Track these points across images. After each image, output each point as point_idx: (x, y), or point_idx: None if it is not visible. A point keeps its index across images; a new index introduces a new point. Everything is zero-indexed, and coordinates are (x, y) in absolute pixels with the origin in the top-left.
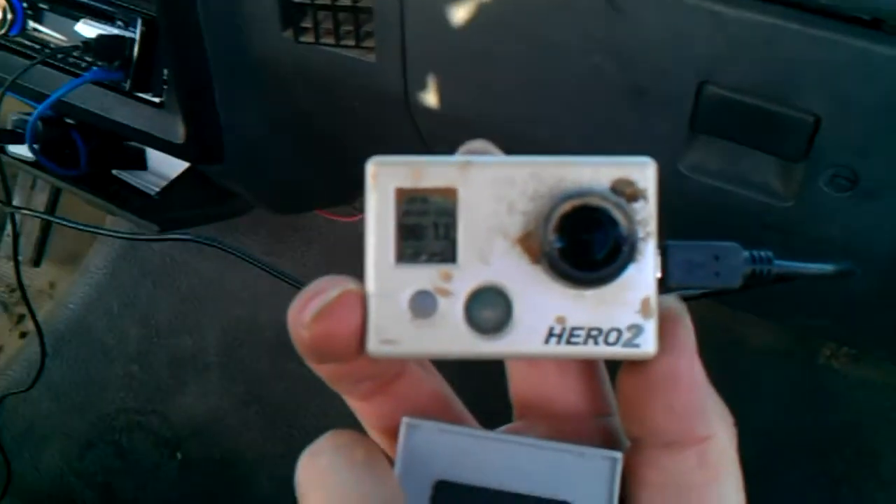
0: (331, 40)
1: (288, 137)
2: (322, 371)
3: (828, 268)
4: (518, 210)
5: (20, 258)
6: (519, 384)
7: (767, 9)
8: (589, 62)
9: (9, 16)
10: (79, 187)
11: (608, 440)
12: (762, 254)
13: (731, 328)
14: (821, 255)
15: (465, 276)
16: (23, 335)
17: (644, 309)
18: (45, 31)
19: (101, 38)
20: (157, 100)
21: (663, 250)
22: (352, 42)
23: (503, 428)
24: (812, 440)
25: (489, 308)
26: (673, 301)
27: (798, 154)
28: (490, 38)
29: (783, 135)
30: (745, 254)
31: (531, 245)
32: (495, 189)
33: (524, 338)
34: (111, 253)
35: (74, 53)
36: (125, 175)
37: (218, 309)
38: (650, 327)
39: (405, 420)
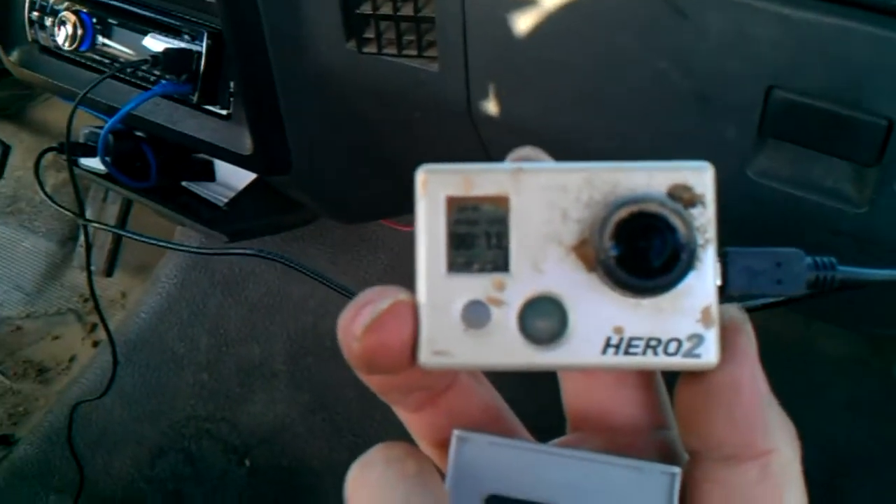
0: (393, 50)
1: (352, 147)
2: (372, 382)
3: None
4: (572, 217)
5: (93, 269)
6: (573, 396)
7: (837, 10)
8: (653, 69)
9: (79, 31)
10: (149, 199)
11: (666, 454)
12: (825, 260)
13: (804, 337)
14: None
15: (519, 286)
16: (95, 344)
17: (704, 318)
18: (114, 45)
19: (168, 51)
20: (224, 112)
21: (723, 257)
22: (414, 52)
23: (556, 441)
24: (885, 454)
25: (544, 318)
26: (734, 309)
27: (871, 159)
28: (552, 47)
29: (855, 139)
30: (808, 260)
31: (586, 253)
32: (548, 196)
33: (580, 348)
34: (181, 263)
35: (143, 67)
36: (194, 186)
37: (284, 318)
38: (711, 337)
39: (456, 433)
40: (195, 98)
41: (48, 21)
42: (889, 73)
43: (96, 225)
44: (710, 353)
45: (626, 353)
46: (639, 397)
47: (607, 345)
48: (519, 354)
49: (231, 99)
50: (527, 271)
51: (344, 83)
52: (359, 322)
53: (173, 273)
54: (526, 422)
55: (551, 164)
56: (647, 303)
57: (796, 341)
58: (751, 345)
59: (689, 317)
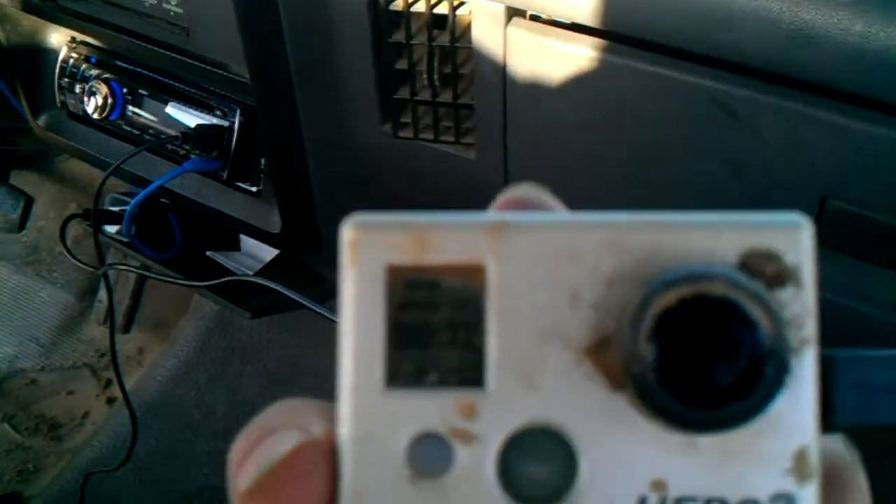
0: (430, 135)
1: None
2: None
3: None
4: (586, 302)
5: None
6: None
7: (893, 122)
8: (702, 170)
9: (109, 100)
10: (172, 269)
11: None
12: None
13: None
14: None
15: (500, 411)
16: (110, 401)
17: (799, 466)
18: (145, 116)
19: (199, 127)
20: (254, 189)
21: (824, 365)
22: (451, 138)
23: None
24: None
25: (540, 462)
26: (837, 447)
27: None
28: (595, 139)
29: None
30: None
31: (609, 361)
32: (549, 266)
33: None
34: (201, 327)
35: (175, 142)
36: (218, 256)
37: (303, 389)
38: (809, 497)
39: None
40: (225, 175)
41: (78, 88)
42: None
43: (121, 267)
44: None
45: None
46: None
47: None
48: None
49: (262, 176)
50: (514, 387)
51: (377, 164)
52: (243, 477)
53: (192, 336)
54: None
55: (555, 214)
56: (707, 442)
57: None
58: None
59: (775, 465)
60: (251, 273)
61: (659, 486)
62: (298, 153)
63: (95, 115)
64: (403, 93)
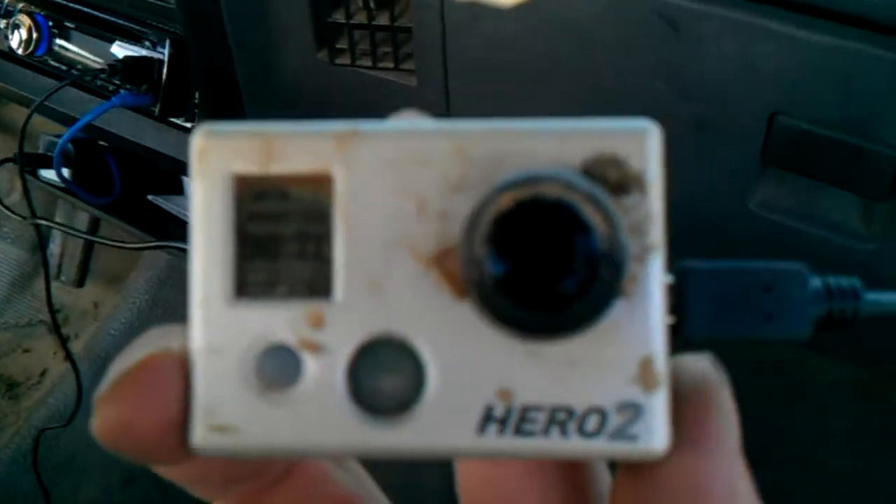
0: (368, 62)
1: None
2: (160, 471)
3: None
4: (433, 210)
5: (63, 279)
6: (467, 481)
7: (848, 33)
8: (646, 88)
9: (34, 35)
10: (113, 215)
11: None
12: (844, 284)
13: (799, 356)
14: None
15: (349, 321)
16: (67, 358)
17: (644, 375)
18: (72, 50)
19: (127, 59)
20: (188, 125)
21: (678, 277)
22: (390, 64)
23: None
24: (891, 489)
25: (388, 373)
26: (698, 362)
27: (882, 193)
28: (537, 60)
29: (865, 171)
30: (816, 282)
31: (454, 269)
32: (397, 174)
33: (445, 424)
34: (152, 279)
35: (102, 75)
36: (161, 201)
37: None
38: (656, 406)
39: None
40: (157, 110)
41: (1, 23)
42: None
43: (43, 223)
44: (653, 435)
45: (519, 431)
46: (563, 489)
47: (487, 419)
48: (348, 432)
49: (196, 111)
50: (361, 297)
51: (315, 95)
52: (101, 383)
53: (144, 289)
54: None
55: (404, 123)
56: (552, 350)
57: (789, 359)
58: (727, 422)
59: (619, 373)
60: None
61: (505, 395)
62: (232, 85)
63: (20, 51)
64: (339, 16)
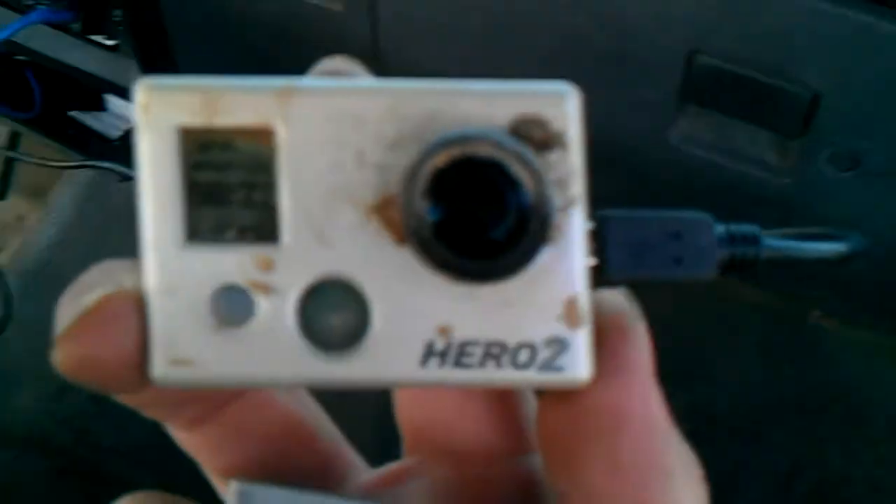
0: None
1: None
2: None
3: (835, 248)
4: (370, 162)
5: None
6: (407, 407)
7: None
8: (567, 21)
9: None
10: (34, 130)
11: (527, 489)
12: (745, 230)
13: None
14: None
15: (296, 264)
16: None
17: (569, 313)
18: None
19: None
20: (110, 42)
21: (598, 224)
22: None
23: (389, 467)
24: (799, 399)
25: (335, 311)
26: (616, 298)
27: (795, 130)
28: None
29: (779, 110)
30: (720, 229)
31: (393, 217)
32: (336, 129)
33: (389, 358)
34: (77, 194)
35: None
36: (83, 117)
37: None
38: (580, 341)
39: (233, 486)
40: (78, 27)
41: None
42: (816, 43)
43: None
44: (577, 366)
45: (457, 364)
46: (494, 413)
47: (429, 353)
48: (299, 365)
49: (118, 29)
50: (307, 242)
51: (238, 17)
52: (58, 323)
53: (69, 203)
54: (362, 434)
55: (342, 82)
56: (487, 292)
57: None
58: (642, 352)
59: (547, 312)
60: (118, 134)
61: (444, 331)
62: (154, 5)
63: None
64: None
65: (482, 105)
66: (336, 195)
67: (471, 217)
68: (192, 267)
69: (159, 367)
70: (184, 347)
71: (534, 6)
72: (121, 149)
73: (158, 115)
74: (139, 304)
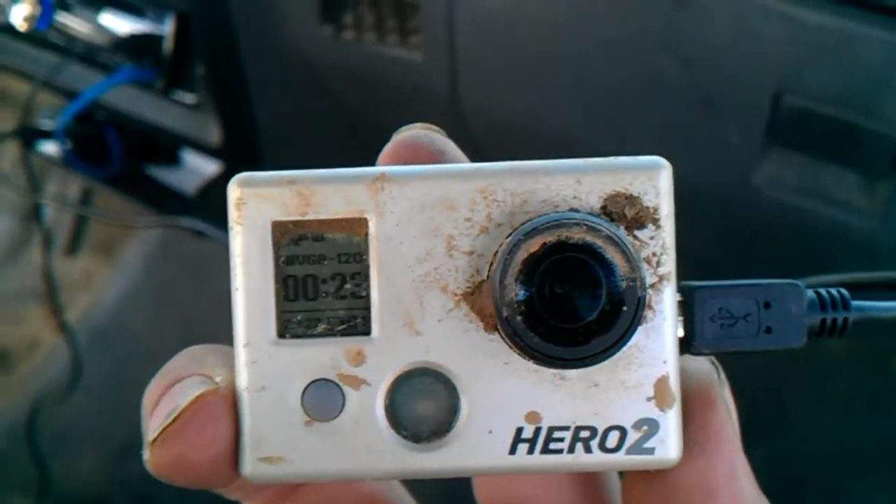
0: (374, 37)
1: (330, 135)
2: None
3: None
4: (462, 249)
5: (56, 249)
6: (487, 486)
7: (851, 14)
8: (652, 65)
9: (36, 10)
10: (111, 187)
11: None
12: (834, 293)
13: None
14: None
15: (386, 356)
16: (59, 328)
17: (660, 394)
18: (75, 25)
19: (131, 36)
20: (191, 99)
21: (685, 296)
22: (396, 39)
23: None
24: (883, 449)
25: (424, 402)
26: (703, 368)
27: (883, 170)
28: (544, 37)
29: (867, 149)
30: (810, 295)
31: (483, 304)
32: (427, 217)
33: (478, 447)
34: (148, 247)
35: (106, 51)
36: (159, 173)
37: None
38: (670, 421)
39: None
40: (160, 85)
41: None
42: None
43: (43, 202)
44: (668, 447)
45: (546, 450)
46: (578, 489)
47: (518, 439)
48: (388, 458)
49: (199, 85)
50: (397, 332)
51: (319, 69)
52: (150, 426)
53: (137, 261)
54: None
55: (432, 167)
56: (575, 375)
57: None
58: (728, 424)
59: (637, 394)
60: (191, 190)
61: (533, 417)
62: (236, 60)
63: (22, 26)
64: None
65: (573, 185)
66: (426, 283)
67: (563, 302)
68: (284, 363)
69: (250, 465)
70: (274, 444)
71: (618, 47)
72: (194, 205)
73: (252, 210)
74: (231, 403)
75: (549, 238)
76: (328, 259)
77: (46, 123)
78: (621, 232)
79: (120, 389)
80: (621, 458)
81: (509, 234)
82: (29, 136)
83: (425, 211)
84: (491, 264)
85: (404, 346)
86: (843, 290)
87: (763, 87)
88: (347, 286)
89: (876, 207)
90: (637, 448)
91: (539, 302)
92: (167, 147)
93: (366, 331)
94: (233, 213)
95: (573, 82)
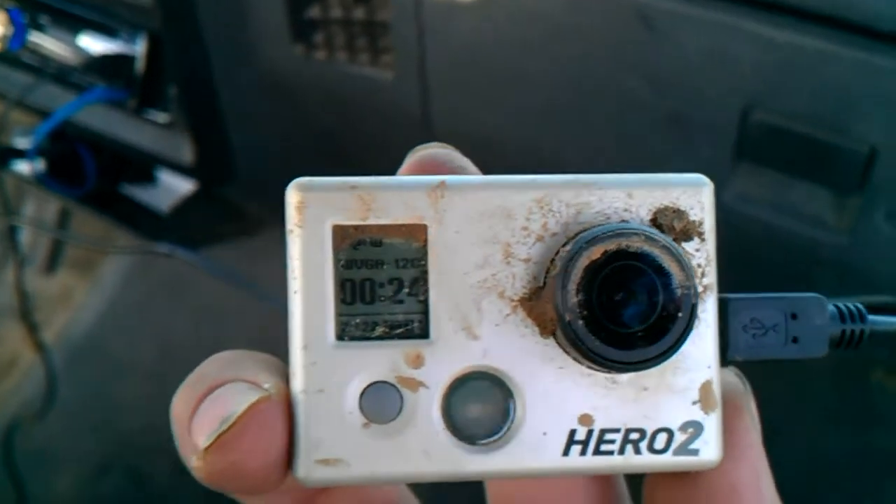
0: (345, 56)
1: (304, 153)
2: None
3: None
4: (519, 257)
5: (34, 265)
6: (499, 489)
7: (819, 32)
8: (622, 85)
9: (9, 29)
10: (86, 206)
11: None
12: (852, 307)
13: None
14: (877, 293)
15: (444, 359)
16: (37, 347)
17: (705, 398)
18: (48, 45)
19: (104, 55)
20: (164, 119)
21: (721, 307)
22: (368, 58)
23: None
24: (860, 462)
25: (480, 405)
26: (732, 378)
27: (852, 186)
28: (515, 57)
29: (836, 166)
30: (831, 308)
31: (540, 310)
32: (485, 224)
33: (533, 449)
34: (124, 265)
35: (78, 71)
36: (135, 191)
37: (231, 325)
38: (713, 424)
39: None
40: (133, 105)
41: None
42: (872, 98)
43: (27, 226)
44: (711, 449)
45: (598, 451)
46: (590, 491)
47: (571, 441)
48: (445, 460)
49: (171, 105)
50: (454, 337)
51: (291, 88)
52: (200, 432)
53: (117, 275)
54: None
55: (490, 177)
56: (626, 379)
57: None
58: (755, 430)
59: (684, 397)
60: (166, 208)
61: (586, 419)
62: (208, 80)
63: None
64: (314, 12)
65: (624, 198)
66: (483, 289)
67: (622, 307)
68: (342, 366)
69: (305, 468)
70: (332, 447)
71: (588, 69)
72: (169, 223)
73: (313, 214)
74: (285, 408)
75: (610, 246)
76: (386, 264)
77: (20, 142)
78: (671, 242)
79: (97, 408)
80: (668, 459)
81: (565, 243)
82: (2, 155)
83: (483, 219)
84: (548, 271)
85: (462, 350)
86: (860, 305)
87: (732, 104)
88: (406, 290)
89: (845, 223)
90: (683, 449)
91: (599, 307)
92: (142, 166)
93: (424, 334)
94: (293, 217)
95: (544, 100)
